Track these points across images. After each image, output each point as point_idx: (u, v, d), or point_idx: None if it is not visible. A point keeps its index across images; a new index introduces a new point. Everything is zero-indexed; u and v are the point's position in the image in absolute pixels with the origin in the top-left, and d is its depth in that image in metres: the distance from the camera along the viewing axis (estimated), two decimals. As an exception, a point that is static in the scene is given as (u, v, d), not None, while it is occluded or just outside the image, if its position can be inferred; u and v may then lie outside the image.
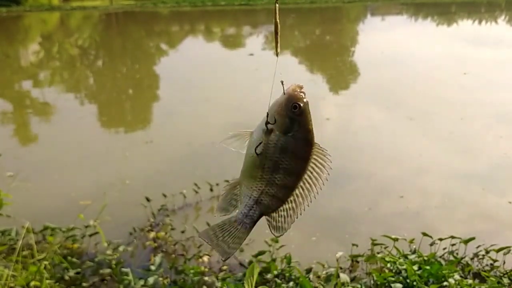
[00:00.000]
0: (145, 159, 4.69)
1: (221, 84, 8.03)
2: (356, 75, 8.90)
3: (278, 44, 0.84)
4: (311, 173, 0.83)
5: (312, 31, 15.19)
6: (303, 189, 0.83)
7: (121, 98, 7.83)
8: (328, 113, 5.98)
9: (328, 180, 0.81)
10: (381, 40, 12.75)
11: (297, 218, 0.84)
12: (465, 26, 16.31)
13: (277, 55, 0.83)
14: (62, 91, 8.25)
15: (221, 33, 16.14)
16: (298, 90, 0.82)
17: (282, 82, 0.81)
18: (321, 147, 0.82)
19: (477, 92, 6.95)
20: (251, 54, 10.65)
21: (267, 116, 0.81)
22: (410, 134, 5.26)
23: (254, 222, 0.85)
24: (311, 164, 0.82)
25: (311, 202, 0.82)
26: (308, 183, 0.83)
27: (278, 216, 0.85)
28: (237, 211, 0.86)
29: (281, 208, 0.85)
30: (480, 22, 17.12)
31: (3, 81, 9.10)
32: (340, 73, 9.13)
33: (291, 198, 0.84)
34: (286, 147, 0.81)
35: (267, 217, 0.85)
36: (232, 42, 14.15)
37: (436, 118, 5.82)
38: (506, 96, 6.65)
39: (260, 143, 0.81)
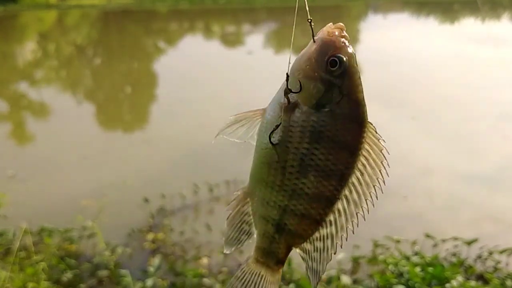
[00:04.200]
0: (144, 159, 4.65)
1: (220, 82, 7.99)
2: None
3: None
4: (362, 174, 0.52)
5: (313, 30, 15.13)
6: (348, 202, 0.52)
7: (119, 97, 7.79)
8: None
9: (384, 185, 0.50)
10: (383, 39, 12.70)
11: (335, 253, 0.54)
12: (468, 24, 16.26)
13: None
14: (59, 90, 8.20)
15: (221, 31, 16.08)
16: (337, 34, 0.52)
17: (310, 22, 0.56)
18: (375, 130, 0.54)
19: (481, 91, 6.90)
20: (250, 53, 10.61)
21: (287, 80, 0.52)
22: (414, 134, 5.22)
23: (282, 262, 0.58)
24: (362, 159, 0.52)
25: (357, 225, 0.53)
26: (356, 190, 0.52)
27: (314, 250, 0.55)
28: (252, 239, 0.60)
29: (317, 235, 0.55)
30: (483, 20, 17.06)
31: (0, 80, 9.04)
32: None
33: (330, 218, 0.54)
34: (321, 130, 0.51)
35: (299, 251, 0.58)
36: (232, 41, 14.10)
37: (440, 117, 5.78)
38: (510, 95, 6.60)
39: (278, 126, 0.52)
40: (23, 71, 10.06)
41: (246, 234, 0.58)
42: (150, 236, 3.12)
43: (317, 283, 0.56)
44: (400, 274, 2.45)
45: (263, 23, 16.89)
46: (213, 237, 3.03)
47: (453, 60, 9.38)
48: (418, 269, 2.43)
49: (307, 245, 0.56)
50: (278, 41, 12.28)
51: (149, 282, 2.43)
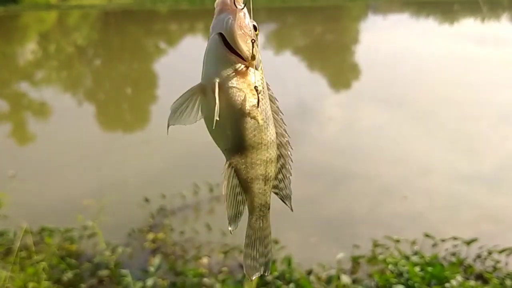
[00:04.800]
0: (144, 159, 4.65)
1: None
2: (358, 74, 8.87)
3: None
4: (270, 112, 0.66)
5: (313, 30, 15.15)
6: (279, 136, 0.67)
7: (119, 98, 7.79)
8: (330, 113, 5.94)
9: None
10: (383, 39, 12.70)
11: (291, 175, 0.69)
12: (468, 25, 16.24)
13: None
14: (60, 90, 8.20)
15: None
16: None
17: (245, 4, 0.62)
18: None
19: (481, 91, 6.90)
20: (251, 53, 10.60)
21: (253, 47, 0.61)
22: (413, 134, 5.22)
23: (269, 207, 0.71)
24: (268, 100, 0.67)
25: (291, 148, 0.68)
26: (277, 126, 0.67)
27: (279, 182, 0.69)
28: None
29: (279, 171, 0.69)
30: (483, 21, 17.04)
31: (1, 80, 9.05)
32: (342, 72, 9.10)
33: (278, 153, 0.68)
34: (266, 85, 0.65)
35: (274, 190, 0.70)
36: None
37: (440, 117, 5.78)
38: (510, 96, 6.60)
39: (257, 91, 0.61)
40: (24, 71, 10.07)
41: (242, 203, 0.68)
42: (151, 236, 3.12)
43: (291, 204, 0.69)
44: (400, 274, 2.45)
45: (263, 23, 16.88)
46: (213, 237, 3.04)
47: (453, 60, 9.37)
48: (417, 268, 2.44)
49: (274, 182, 0.68)
50: (278, 42, 12.28)
51: (150, 281, 2.43)
